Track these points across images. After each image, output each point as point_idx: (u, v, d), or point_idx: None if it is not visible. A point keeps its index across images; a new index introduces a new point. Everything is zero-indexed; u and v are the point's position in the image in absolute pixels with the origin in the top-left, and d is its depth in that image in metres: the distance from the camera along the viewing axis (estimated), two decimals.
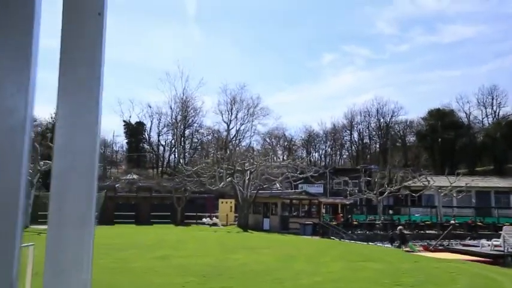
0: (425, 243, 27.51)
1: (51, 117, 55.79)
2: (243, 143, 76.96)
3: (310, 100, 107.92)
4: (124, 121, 77.04)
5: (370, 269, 12.43)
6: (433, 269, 12.86)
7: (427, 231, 35.86)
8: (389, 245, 26.31)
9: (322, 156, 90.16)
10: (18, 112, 0.93)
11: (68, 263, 1.04)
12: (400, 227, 26.65)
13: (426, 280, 10.62)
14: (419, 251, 23.49)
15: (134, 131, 76.49)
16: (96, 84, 1.14)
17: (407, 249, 24.08)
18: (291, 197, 36.21)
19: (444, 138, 69.86)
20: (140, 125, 77.87)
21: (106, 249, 17.59)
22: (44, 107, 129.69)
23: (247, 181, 36.20)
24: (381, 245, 25.90)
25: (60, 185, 1.13)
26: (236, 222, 37.16)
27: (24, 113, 0.94)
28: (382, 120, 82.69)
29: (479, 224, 38.17)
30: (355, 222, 35.08)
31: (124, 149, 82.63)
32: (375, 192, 41.09)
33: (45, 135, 48.76)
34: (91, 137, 1.13)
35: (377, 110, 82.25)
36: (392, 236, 27.81)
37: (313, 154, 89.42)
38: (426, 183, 43.71)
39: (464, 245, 26.08)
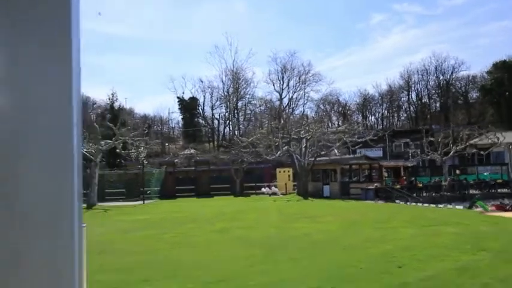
0: (498, 203, 25.81)
1: (109, 99, 57.33)
2: (297, 111, 75.88)
3: (362, 63, 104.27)
4: (178, 97, 78.20)
5: (445, 234, 11.51)
6: None
7: (499, 190, 33.79)
8: (460, 206, 24.87)
9: (379, 119, 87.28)
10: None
11: None
12: None
13: None
14: (491, 210, 22.01)
15: (188, 106, 77.46)
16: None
17: (479, 209, 22.69)
18: (350, 162, 35.15)
19: None
20: (194, 100, 78.69)
21: (167, 223, 17.73)
22: (102, 89, 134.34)
23: (304, 149, 35.51)
24: (450, 206, 24.53)
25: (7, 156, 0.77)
26: (295, 191, 36.76)
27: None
28: (441, 77, 78.15)
29: None
30: (420, 185, 33.53)
31: (180, 125, 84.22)
32: (439, 152, 39.06)
33: (104, 116, 50.31)
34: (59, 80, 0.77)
35: (435, 67, 77.70)
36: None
37: (370, 118, 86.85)
38: (495, 139, 40.98)
39: None
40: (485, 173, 41.01)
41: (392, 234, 11.80)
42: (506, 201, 26.88)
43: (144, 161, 38.39)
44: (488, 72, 71.09)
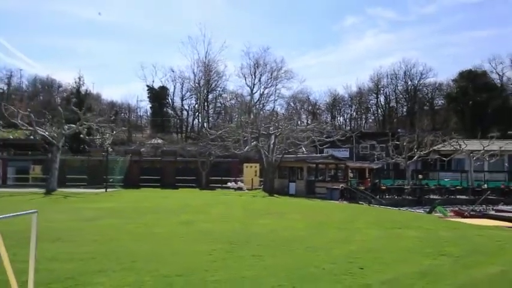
0: (456, 208, 26.52)
1: (75, 82, 55.70)
2: (267, 107, 76.06)
3: (334, 64, 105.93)
4: (147, 86, 76.86)
5: (408, 237, 11.64)
6: (476, 237, 11.99)
7: (458, 196, 34.76)
8: (421, 211, 25.42)
9: (347, 120, 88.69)
10: None
11: None
12: None
13: (473, 250, 9.78)
14: (450, 216, 22.57)
15: (158, 95, 76.21)
16: None
17: (438, 214, 23.21)
18: (317, 161, 35.39)
19: (476, 100, 67.26)
20: (163, 89, 77.51)
21: (129, 213, 17.33)
22: (69, 72, 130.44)
23: (272, 145, 35.51)
24: (412, 210, 25.03)
25: None
26: (261, 187, 36.75)
27: None
28: (410, 83, 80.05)
29: None
30: (383, 187, 34.14)
31: (148, 114, 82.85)
32: (403, 156, 39.88)
33: (69, 100, 48.91)
34: None
35: (404, 73, 79.56)
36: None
37: (338, 118, 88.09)
38: (457, 147, 42.20)
39: (497, 211, 24.92)
40: (445, 179, 42.15)
41: (356, 236, 11.85)
42: (464, 207, 27.67)
43: (109, 148, 37.49)
44: (454, 81, 73.16)
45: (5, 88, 75.67)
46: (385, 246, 10.08)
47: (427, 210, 25.95)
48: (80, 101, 46.60)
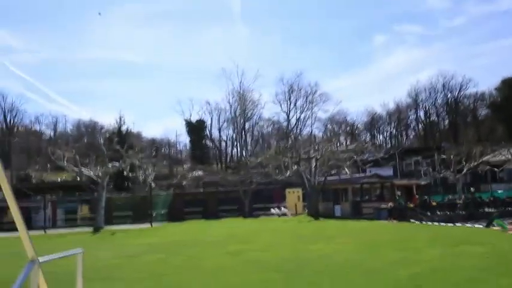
0: None
1: (116, 122, 57.28)
2: (304, 131, 75.39)
3: (368, 83, 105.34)
4: (185, 120, 78.14)
5: (474, 254, 10.74)
6: None
7: None
8: (478, 225, 23.94)
9: (387, 138, 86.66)
10: None
11: None
12: None
13: None
14: (510, 229, 21.08)
15: (196, 128, 77.27)
16: None
17: (496, 228, 21.75)
18: (362, 182, 34.37)
19: None
20: (201, 122, 78.57)
21: (176, 246, 17.07)
22: (110, 114, 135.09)
23: (313, 169, 34.85)
24: (468, 225, 23.62)
25: None
26: (305, 212, 35.93)
27: None
28: (449, 95, 77.57)
29: None
30: (434, 203, 32.61)
31: (187, 147, 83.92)
32: (452, 169, 38.19)
33: (112, 140, 50.12)
34: None
35: (443, 85, 77.20)
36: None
37: (378, 136, 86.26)
38: (509, 156, 40.12)
39: None
40: (499, 191, 39.96)
41: (416, 255, 11.05)
42: None
43: (152, 183, 37.85)
44: (498, 89, 70.44)
45: (52, 134, 78.87)
46: (452, 265, 9.28)
47: (485, 224, 24.42)
48: (122, 139, 47.64)
